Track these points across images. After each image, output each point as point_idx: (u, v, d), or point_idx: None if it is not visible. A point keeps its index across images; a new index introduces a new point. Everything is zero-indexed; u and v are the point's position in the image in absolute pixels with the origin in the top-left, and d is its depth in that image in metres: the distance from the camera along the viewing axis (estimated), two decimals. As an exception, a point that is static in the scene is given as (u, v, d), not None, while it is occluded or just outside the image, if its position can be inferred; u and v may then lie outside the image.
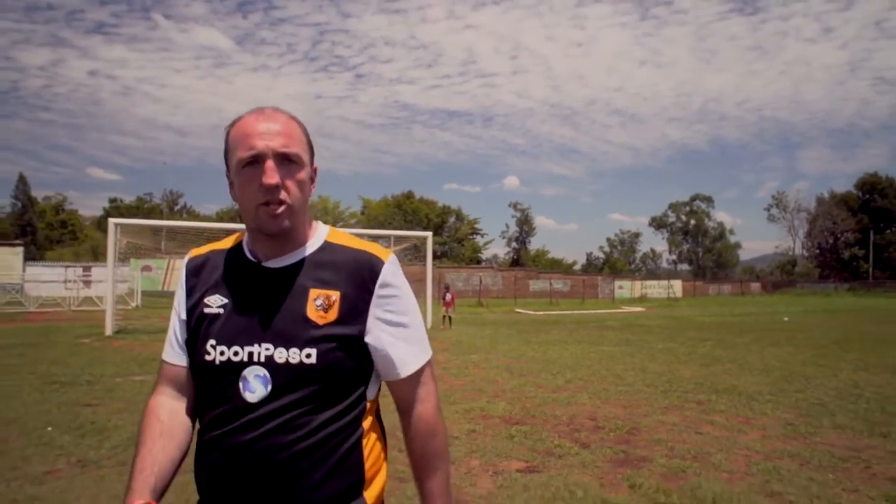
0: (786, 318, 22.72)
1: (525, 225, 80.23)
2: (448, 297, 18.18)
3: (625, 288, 49.85)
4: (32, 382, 7.68)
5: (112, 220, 14.71)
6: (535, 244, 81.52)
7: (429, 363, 1.25)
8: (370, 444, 1.19)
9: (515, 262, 72.94)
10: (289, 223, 1.14)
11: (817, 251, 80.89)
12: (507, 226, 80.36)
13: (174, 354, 1.25)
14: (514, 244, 79.53)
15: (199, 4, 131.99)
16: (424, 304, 17.46)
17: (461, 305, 27.96)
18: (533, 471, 4.37)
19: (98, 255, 55.81)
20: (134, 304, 28.88)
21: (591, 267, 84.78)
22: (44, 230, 74.51)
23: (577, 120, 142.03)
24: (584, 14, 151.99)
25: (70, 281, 32.16)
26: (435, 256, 28.98)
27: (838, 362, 10.13)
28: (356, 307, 1.15)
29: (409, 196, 70.28)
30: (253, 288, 1.18)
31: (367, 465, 1.17)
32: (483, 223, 74.26)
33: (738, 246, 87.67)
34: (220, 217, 68.76)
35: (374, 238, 28.10)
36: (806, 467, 4.45)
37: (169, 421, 1.19)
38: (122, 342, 12.77)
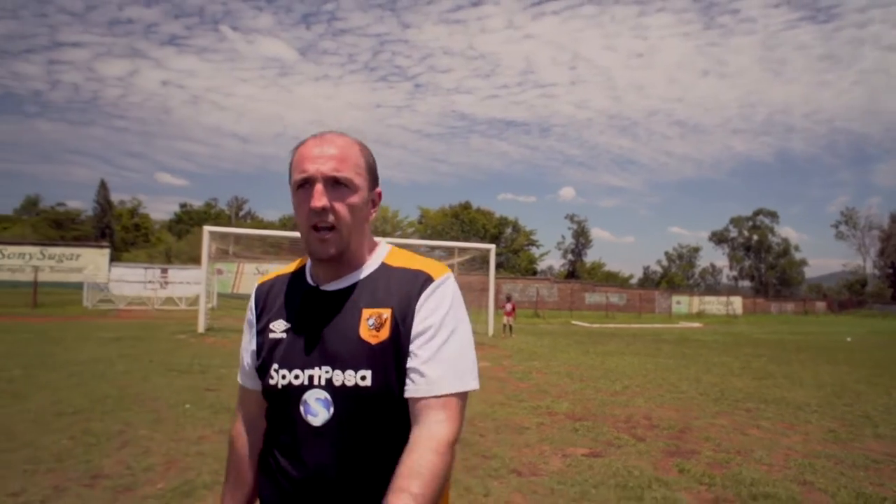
0: (849, 339, 22.45)
1: (581, 237, 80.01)
2: (509, 306, 19.16)
3: (682, 303, 49.34)
4: (155, 369, 8.94)
5: (206, 228, 16.23)
6: (590, 256, 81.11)
7: (457, 395, 1.11)
8: None
9: (571, 275, 72.84)
10: (336, 250, 1.15)
11: (890, 271, 77.46)
12: (562, 237, 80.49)
13: (247, 379, 1.30)
14: (569, 256, 79.44)
15: (265, 17, 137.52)
16: (486, 312, 18.35)
17: (518, 316, 28.67)
18: (595, 456, 5.16)
19: (171, 257, 58.98)
20: (210, 306, 30.77)
21: (648, 281, 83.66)
22: (119, 233, 79.03)
23: (636, 131, 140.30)
24: (646, 24, 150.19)
25: (149, 282, 34.50)
26: (472, 261, 29.88)
27: (894, 381, 10.41)
28: (404, 324, 1.13)
29: (466, 206, 71.33)
30: (311, 311, 1.19)
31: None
32: (538, 234, 74.56)
33: (803, 263, 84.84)
34: (283, 223, 71.59)
35: (438, 249, 29.21)
36: (839, 465, 5.07)
37: (245, 458, 1.30)
38: (214, 339, 14.12)
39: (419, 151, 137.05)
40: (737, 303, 52.57)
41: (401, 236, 65.36)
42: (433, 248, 28.38)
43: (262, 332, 1.25)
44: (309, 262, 1.27)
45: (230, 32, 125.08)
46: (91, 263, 38.11)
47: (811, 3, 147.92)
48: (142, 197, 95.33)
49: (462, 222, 67.88)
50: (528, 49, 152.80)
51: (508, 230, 72.41)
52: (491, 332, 18.14)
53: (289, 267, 1.33)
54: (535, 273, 66.48)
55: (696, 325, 33.06)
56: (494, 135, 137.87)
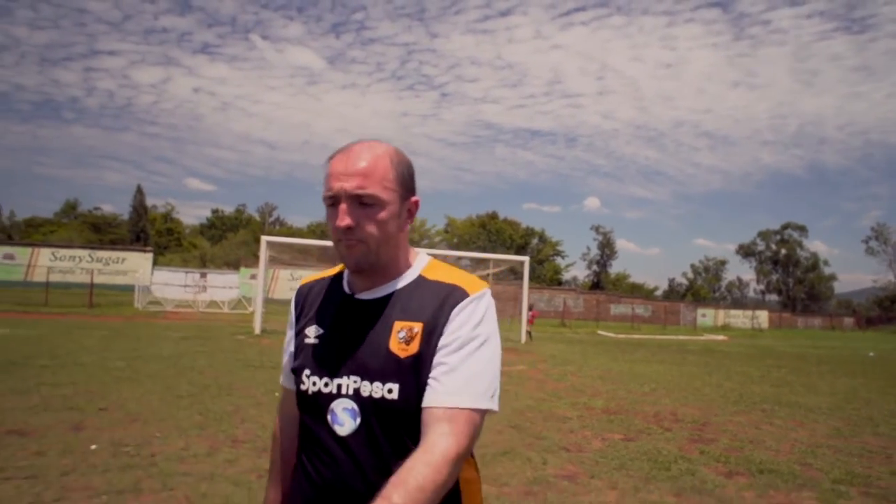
0: (871, 354, 22.98)
1: (606, 248, 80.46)
2: (529, 314, 20.30)
3: (708, 316, 49.70)
4: (234, 365, 10.15)
5: (264, 238, 17.57)
6: (615, 267, 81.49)
7: (475, 412, 1.06)
8: (469, 488, 1.17)
9: (595, 286, 73.34)
10: (363, 261, 1.14)
11: (922, 287, 76.48)
12: (587, 248, 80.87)
13: (287, 380, 1.33)
14: (594, 267, 79.94)
15: (296, 26, 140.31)
16: (520, 321, 19.40)
17: (544, 325, 29.65)
18: (629, 440, 6.17)
19: (206, 261, 60.89)
20: (250, 310, 32.21)
21: (674, 293, 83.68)
22: (153, 237, 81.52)
23: (663, 142, 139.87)
24: (675, 34, 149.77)
25: (188, 285, 36.11)
26: (519, 276, 30.93)
27: (904, 392, 11.20)
28: (434, 338, 1.11)
29: (493, 216, 72.38)
30: (344, 319, 1.19)
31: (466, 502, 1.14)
32: (562, 244, 75.11)
33: (832, 278, 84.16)
34: (311, 230, 73.37)
35: (473, 259, 30.38)
36: (837, 454, 6.01)
37: (286, 450, 1.34)
38: (269, 340, 15.36)
39: (444, 160, 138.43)
40: (762, 317, 52.72)
41: (428, 245, 66.62)
42: (468, 258, 29.55)
43: (299, 334, 1.26)
44: (347, 270, 1.25)
45: (259, 41, 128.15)
46: (136, 267, 39.99)
47: (845, 14, 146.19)
48: (171, 201, 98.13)
49: (489, 232, 68.91)
50: (555, 59, 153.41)
51: (535, 241, 73.25)
52: (523, 339, 19.19)
53: (331, 271, 1.33)
54: (560, 283, 67.13)
55: (720, 337, 33.61)
56: (520, 144, 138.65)
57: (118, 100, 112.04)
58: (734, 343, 27.88)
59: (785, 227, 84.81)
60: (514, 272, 21.41)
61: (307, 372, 1.19)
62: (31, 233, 64.06)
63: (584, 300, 48.31)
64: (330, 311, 1.23)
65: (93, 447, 4.86)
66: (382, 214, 1.13)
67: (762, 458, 5.64)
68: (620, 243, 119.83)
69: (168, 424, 5.71)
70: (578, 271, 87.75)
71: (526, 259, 20.05)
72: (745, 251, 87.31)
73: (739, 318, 51.70)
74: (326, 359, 1.17)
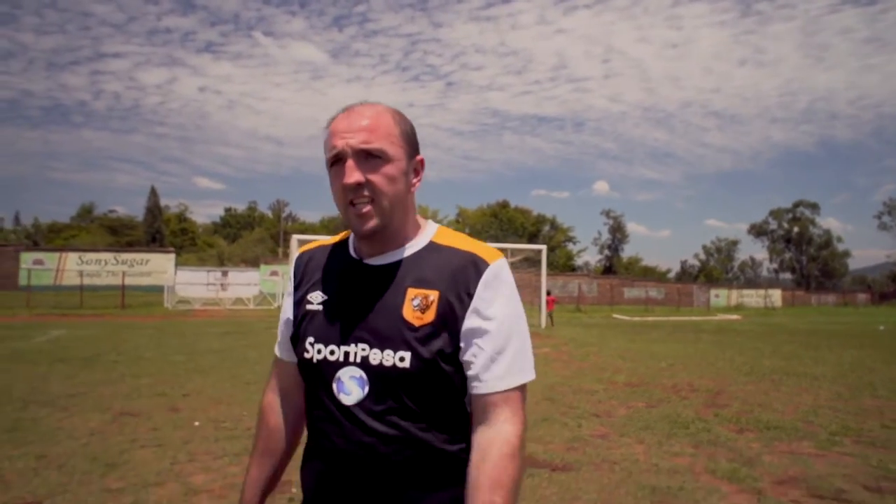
0: (881, 327, 23.60)
1: (618, 232, 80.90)
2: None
3: (721, 296, 50.27)
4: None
5: (295, 237, 18.43)
6: (627, 251, 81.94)
7: (520, 388, 1.10)
8: None
9: (608, 270, 73.92)
10: (378, 222, 1.09)
11: (937, 261, 76.41)
12: (599, 233, 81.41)
13: (282, 350, 1.29)
14: (606, 252, 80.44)
15: (298, 21, 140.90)
16: (539, 307, 20.23)
17: (560, 311, 30.45)
18: (651, 407, 6.98)
19: (224, 260, 62.01)
20: (276, 305, 33.23)
21: (686, 275, 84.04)
22: (168, 237, 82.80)
23: (672, 123, 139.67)
24: (680, 14, 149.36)
25: (210, 284, 37.17)
26: (534, 264, 31.83)
27: (907, 361, 11.92)
28: (454, 309, 1.08)
29: (504, 205, 73.05)
30: (353, 285, 1.15)
31: None
32: (573, 230, 75.63)
33: (846, 254, 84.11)
34: (323, 225, 74.38)
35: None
36: (836, 413, 6.78)
37: (276, 428, 1.28)
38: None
39: (452, 150, 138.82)
40: (775, 295, 53.17)
41: (440, 235, 67.35)
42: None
43: (299, 302, 1.22)
44: (353, 235, 1.22)
45: (262, 38, 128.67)
46: (160, 267, 41.15)
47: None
48: (185, 202, 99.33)
49: (501, 221, 69.62)
50: (560, 44, 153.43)
51: (546, 228, 73.89)
52: (543, 324, 20.03)
53: (331, 238, 1.30)
54: (573, 269, 67.77)
55: (734, 316, 34.27)
56: (527, 131, 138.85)
57: (125, 101, 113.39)
58: (747, 322, 28.57)
59: (797, 205, 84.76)
60: (530, 260, 22.22)
61: (311, 339, 1.15)
62: (52, 238, 65.49)
63: (598, 285, 48.99)
64: (335, 276, 1.19)
65: (196, 423, 5.74)
66: (391, 169, 1.09)
67: (769, 418, 6.43)
68: (631, 226, 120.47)
69: (249, 405, 6.58)
70: (590, 256, 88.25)
71: (543, 247, 20.91)
72: (758, 230, 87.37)
73: (752, 297, 52.21)
74: (332, 326, 1.13)
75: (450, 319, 1.08)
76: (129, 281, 39.64)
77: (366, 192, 1.07)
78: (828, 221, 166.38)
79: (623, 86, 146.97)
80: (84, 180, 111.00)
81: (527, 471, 4.49)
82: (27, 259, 38.97)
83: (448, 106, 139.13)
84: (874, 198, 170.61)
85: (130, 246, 58.87)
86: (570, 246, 74.75)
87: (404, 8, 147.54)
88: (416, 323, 1.08)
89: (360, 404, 1.08)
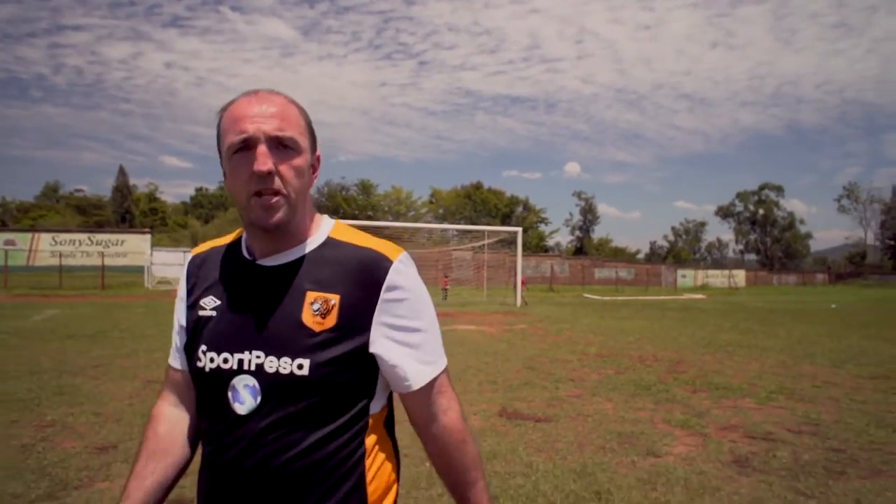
0: (833, 306, 25.16)
1: (589, 214, 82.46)
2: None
3: (687, 277, 52.06)
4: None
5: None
6: (597, 232, 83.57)
7: (445, 371, 1.13)
8: (376, 463, 1.10)
9: (579, 251, 75.51)
10: (284, 216, 1.03)
11: (891, 242, 79.80)
12: (570, 214, 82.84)
13: (175, 358, 1.22)
14: (577, 233, 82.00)
15: None
16: (515, 288, 21.19)
17: (533, 291, 31.56)
18: (619, 374, 7.91)
19: (198, 240, 61.77)
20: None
21: (655, 256, 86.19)
22: (138, 217, 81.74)
23: (643, 105, 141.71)
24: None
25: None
26: (507, 245, 32.90)
27: (850, 334, 13.14)
28: (358, 313, 1.05)
29: (478, 186, 73.83)
30: (246, 288, 1.10)
31: (372, 487, 1.08)
32: (545, 211, 76.87)
33: (808, 236, 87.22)
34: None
35: (467, 232, 31.95)
36: (777, 377, 7.78)
37: (166, 435, 1.17)
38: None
39: (424, 129, 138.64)
40: (739, 276, 55.22)
41: (414, 216, 68.11)
42: (461, 231, 31.08)
43: (191, 308, 1.15)
44: (245, 234, 1.15)
45: (230, 13, 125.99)
46: (135, 248, 41.07)
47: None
48: (154, 182, 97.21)
49: (474, 202, 70.45)
50: (533, 24, 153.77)
51: (519, 209, 74.98)
52: (518, 303, 20.99)
53: (224, 238, 1.23)
54: (546, 250, 69.11)
55: (699, 296, 35.81)
56: (500, 111, 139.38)
57: (87, 76, 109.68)
58: (711, 301, 30.03)
59: (762, 187, 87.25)
60: (504, 241, 23.19)
61: (204, 348, 1.09)
62: (19, 217, 64.40)
63: (570, 265, 50.31)
64: (228, 280, 1.13)
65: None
66: (299, 161, 1.05)
67: (720, 381, 7.41)
68: (602, 208, 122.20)
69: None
70: (561, 237, 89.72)
71: (519, 230, 21.81)
72: (724, 212, 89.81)
73: (718, 277, 54.16)
74: (226, 333, 1.08)
75: (354, 323, 1.05)
76: (105, 262, 39.48)
77: (275, 183, 1.01)
78: (792, 203, 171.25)
79: (595, 67, 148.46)
80: (47, 157, 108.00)
81: (515, 421, 5.36)
82: (-1, 239, 38.58)
83: (421, 85, 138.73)
84: (838, 180, 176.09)
85: (100, 226, 58.28)
86: (542, 227, 76.05)
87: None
88: (316, 328, 1.03)
89: (253, 414, 1.03)
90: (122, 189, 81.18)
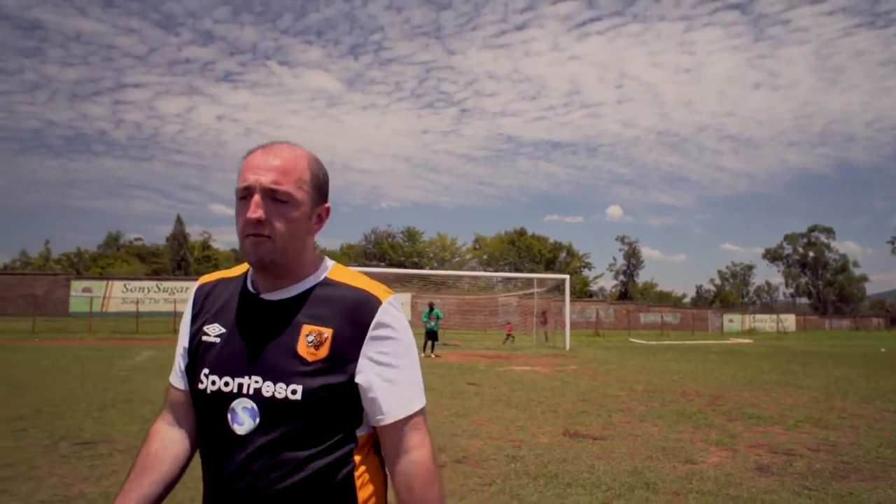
0: (883, 350, 25.24)
1: (633, 258, 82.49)
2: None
3: (735, 321, 51.74)
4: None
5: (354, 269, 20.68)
6: (642, 276, 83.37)
7: (421, 412, 1.22)
8: (365, 476, 1.20)
9: (623, 295, 75.42)
10: (267, 257, 1.15)
11: (950, 285, 77.16)
12: (614, 259, 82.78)
13: (176, 378, 1.31)
14: (621, 277, 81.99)
15: (315, 50, 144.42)
16: (564, 331, 22.26)
17: (579, 335, 32.39)
18: (664, 406, 8.99)
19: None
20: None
21: (702, 300, 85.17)
22: (193, 265, 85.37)
23: (685, 147, 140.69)
24: (693, 39, 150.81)
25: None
26: (552, 291, 34.00)
27: (889, 375, 13.80)
28: (348, 346, 1.16)
29: (521, 233, 75.13)
30: (249, 319, 1.21)
31: (361, 498, 1.19)
32: (589, 256, 77.37)
33: (864, 279, 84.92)
34: (343, 252, 76.67)
35: (520, 280, 33.25)
36: (807, 410, 8.73)
37: (157, 452, 1.25)
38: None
39: (466, 176, 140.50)
40: (789, 320, 54.51)
41: (459, 262, 69.73)
42: (511, 281, 32.44)
43: (196, 333, 1.26)
44: (251, 269, 1.27)
45: (276, 67, 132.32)
46: (198, 295, 43.55)
47: (868, 9, 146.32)
48: (208, 230, 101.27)
49: (518, 248, 71.68)
50: (573, 70, 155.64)
51: (563, 254, 75.79)
52: (568, 346, 22.02)
53: (233, 270, 1.34)
54: (591, 295, 69.43)
55: (745, 340, 35.90)
56: (541, 156, 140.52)
57: (145, 130, 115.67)
58: (757, 345, 30.29)
59: (812, 229, 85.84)
60: (551, 288, 24.49)
61: (206, 371, 1.20)
62: (89, 265, 68.52)
63: (615, 310, 50.72)
64: (233, 310, 1.24)
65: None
66: (294, 213, 1.16)
67: (754, 412, 8.44)
68: (645, 251, 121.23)
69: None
70: (605, 282, 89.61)
71: (566, 277, 23.02)
72: (773, 255, 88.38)
73: (766, 321, 53.60)
74: (228, 358, 1.19)
75: (343, 355, 1.15)
76: (169, 308, 42.04)
77: (265, 230, 1.14)
78: (846, 245, 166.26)
79: (636, 111, 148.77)
80: (102, 207, 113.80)
81: (576, 438, 6.56)
82: (77, 287, 41.58)
83: (462, 132, 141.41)
84: (893, 221, 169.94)
85: (157, 273, 61.60)
86: (586, 272, 76.45)
87: (419, 36, 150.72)
88: (310, 358, 1.14)
89: (251, 434, 1.13)
90: (179, 237, 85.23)
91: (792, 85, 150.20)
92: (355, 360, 1.16)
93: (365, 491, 1.20)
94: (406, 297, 36.45)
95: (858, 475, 5.27)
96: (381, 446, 1.22)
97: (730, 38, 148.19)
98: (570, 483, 4.88)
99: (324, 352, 1.15)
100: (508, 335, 25.32)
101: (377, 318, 1.18)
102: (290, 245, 1.17)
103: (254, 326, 1.20)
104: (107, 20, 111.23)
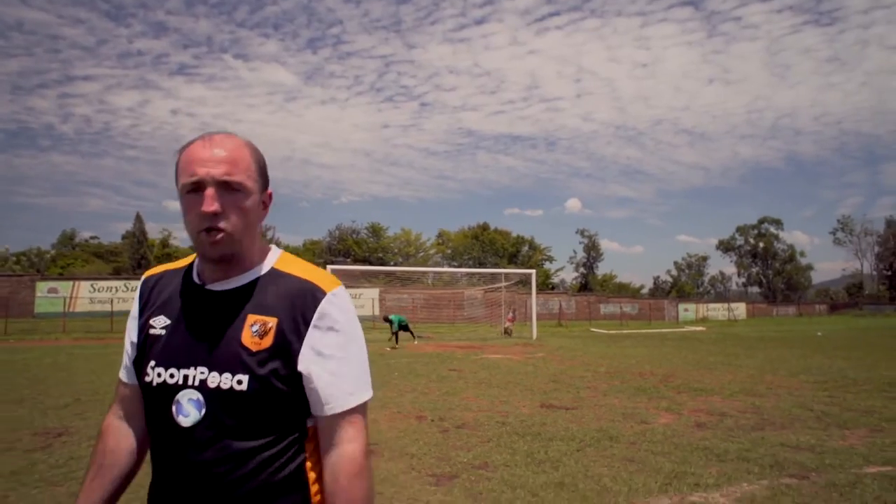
0: (819, 333, 27.57)
1: (592, 251, 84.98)
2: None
3: (690, 310, 54.38)
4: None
5: (329, 266, 21.67)
6: (601, 268, 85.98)
7: (362, 407, 1.21)
8: (317, 467, 1.20)
9: (583, 287, 77.80)
10: (229, 251, 1.16)
11: (887, 273, 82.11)
12: (574, 252, 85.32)
13: (125, 373, 1.32)
14: (581, 269, 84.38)
15: (272, 43, 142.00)
16: (531, 323, 23.77)
17: (543, 326, 34.04)
18: (623, 383, 10.43)
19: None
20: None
21: (659, 291, 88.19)
22: (153, 263, 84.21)
23: (642, 141, 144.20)
24: (648, 34, 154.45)
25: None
26: (516, 284, 35.63)
27: (817, 355, 15.64)
28: (292, 336, 1.16)
29: (484, 227, 76.75)
30: (194, 310, 1.21)
31: (315, 489, 1.19)
32: (551, 250, 79.56)
33: (809, 268, 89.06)
34: (306, 248, 76.93)
35: (487, 275, 34.56)
36: (742, 383, 10.28)
37: (113, 448, 1.28)
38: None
39: (426, 170, 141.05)
40: (740, 308, 57.52)
41: (423, 257, 70.97)
42: (476, 275, 33.77)
43: (143, 326, 1.26)
44: (197, 260, 1.28)
45: (232, 61, 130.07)
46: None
47: (814, 7, 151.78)
48: (150, 225, 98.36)
49: (482, 243, 73.28)
50: (532, 64, 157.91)
51: (525, 248, 77.74)
52: (535, 336, 23.57)
53: (178, 262, 1.34)
54: (552, 288, 71.47)
55: (698, 328, 38.19)
56: (501, 150, 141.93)
57: (95, 125, 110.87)
58: (708, 332, 32.47)
59: (762, 221, 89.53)
60: (516, 282, 25.92)
61: (152, 363, 1.20)
62: (48, 266, 67.32)
63: (576, 302, 52.72)
64: (178, 301, 1.24)
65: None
66: (247, 202, 1.17)
67: (698, 386, 9.95)
68: (604, 243, 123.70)
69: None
70: (566, 274, 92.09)
71: (533, 272, 24.66)
72: (725, 246, 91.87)
73: (718, 310, 56.48)
74: (173, 350, 1.19)
75: (287, 345, 1.16)
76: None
77: (221, 223, 1.14)
78: (795, 235, 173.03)
79: (595, 105, 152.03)
80: (53, 204, 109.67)
81: (552, 409, 7.90)
82: (42, 287, 41.28)
83: (422, 126, 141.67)
84: (839, 211, 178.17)
85: (117, 273, 61.05)
86: (547, 265, 78.53)
87: (378, 30, 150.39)
88: (254, 348, 1.15)
89: (196, 426, 1.13)
90: (139, 235, 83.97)
91: (743, 80, 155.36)
92: (298, 350, 1.16)
93: (317, 482, 1.20)
94: (374, 292, 37.42)
95: (772, 427, 6.74)
96: (319, 438, 1.21)
97: (684, 34, 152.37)
98: (551, 438, 6.20)
99: (268, 341, 1.15)
100: (508, 326, 26.32)
101: (320, 309, 1.18)
102: (245, 235, 1.18)
103: (199, 317, 1.20)
104: (51, 10, 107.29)
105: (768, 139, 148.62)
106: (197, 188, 1.15)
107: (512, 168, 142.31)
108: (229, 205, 1.15)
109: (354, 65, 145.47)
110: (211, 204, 1.12)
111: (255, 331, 1.16)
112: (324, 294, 1.20)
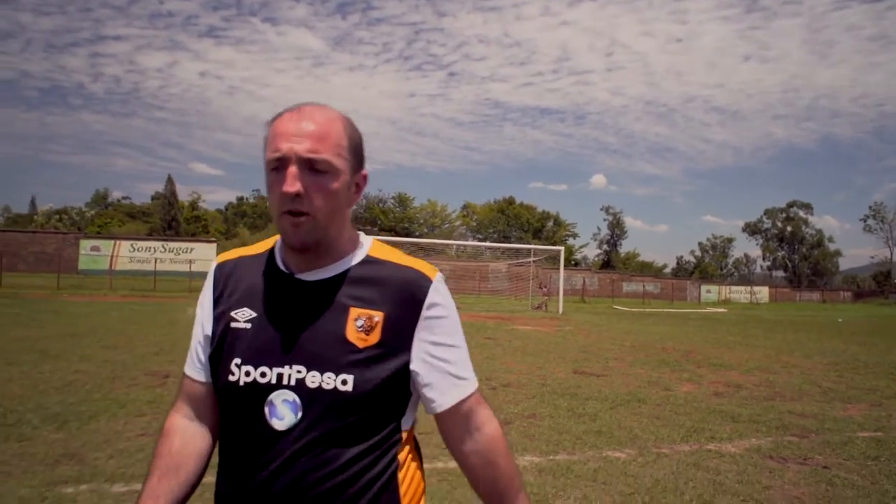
0: (840, 320, 28.09)
1: (616, 228, 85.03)
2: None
3: (712, 292, 54.84)
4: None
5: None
6: (625, 246, 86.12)
7: (478, 388, 1.18)
8: (408, 476, 1.14)
9: (606, 264, 78.19)
10: (310, 236, 1.06)
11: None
12: (598, 229, 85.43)
13: (195, 369, 1.20)
14: (605, 247, 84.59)
15: (302, 7, 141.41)
16: (558, 297, 24.74)
17: (566, 301, 35.01)
18: (648, 357, 11.35)
19: (248, 248, 65.78)
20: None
21: (682, 271, 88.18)
22: (182, 225, 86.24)
23: (673, 118, 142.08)
24: (685, 8, 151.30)
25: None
26: (540, 260, 36.52)
27: (833, 339, 16.37)
28: (401, 330, 1.09)
29: (510, 201, 77.26)
30: (285, 302, 1.11)
31: (406, 500, 1.12)
32: (575, 226, 79.93)
33: (837, 254, 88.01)
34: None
35: (514, 250, 35.36)
36: (759, 361, 11.12)
37: (181, 450, 1.15)
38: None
39: (452, 140, 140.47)
40: (762, 292, 57.74)
41: (448, 229, 71.89)
42: (500, 249, 34.59)
43: (220, 318, 1.15)
44: (279, 245, 1.17)
45: (260, 24, 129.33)
46: (202, 255, 45.36)
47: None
48: (197, 189, 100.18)
49: (507, 216, 73.92)
50: (564, 36, 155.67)
51: (550, 223, 78.19)
52: (561, 310, 24.54)
53: (254, 248, 1.23)
54: (575, 264, 72.07)
55: (720, 309, 38.80)
56: (528, 123, 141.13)
57: (125, 85, 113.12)
58: (730, 314, 33.14)
59: (791, 204, 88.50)
60: (550, 259, 26.78)
61: (237, 361, 1.09)
62: (87, 225, 69.61)
63: (599, 279, 53.44)
64: (264, 292, 1.13)
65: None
66: (334, 184, 1.06)
67: (718, 362, 10.84)
68: (628, 221, 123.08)
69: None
70: (589, 251, 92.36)
71: (561, 249, 25.56)
72: (752, 229, 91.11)
73: (741, 293, 56.78)
74: (264, 346, 1.08)
75: (397, 340, 1.08)
76: (175, 267, 43.79)
77: (304, 206, 1.03)
78: (825, 220, 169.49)
79: (626, 79, 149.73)
80: (83, 163, 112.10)
81: (584, 375, 8.86)
82: (86, 245, 43.19)
83: (449, 96, 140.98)
84: (873, 197, 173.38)
85: (150, 234, 63.10)
86: (571, 241, 78.95)
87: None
88: (361, 345, 1.06)
89: (292, 430, 1.04)
90: (170, 197, 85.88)
91: (781, 58, 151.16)
92: (410, 344, 1.10)
93: (410, 491, 1.14)
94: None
95: (782, 398, 7.63)
96: (445, 431, 1.17)
97: (722, 9, 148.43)
98: (586, 398, 7.18)
99: (375, 337, 1.07)
100: (544, 300, 27.18)
101: (429, 298, 1.12)
102: (332, 221, 1.08)
103: (291, 310, 1.10)
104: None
105: (803, 120, 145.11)
106: (280, 165, 1.05)
107: (538, 141, 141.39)
108: (313, 185, 1.04)
109: (384, 31, 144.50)
110: (293, 184, 1.02)
111: (361, 326, 1.07)
112: (430, 282, 1.13)
